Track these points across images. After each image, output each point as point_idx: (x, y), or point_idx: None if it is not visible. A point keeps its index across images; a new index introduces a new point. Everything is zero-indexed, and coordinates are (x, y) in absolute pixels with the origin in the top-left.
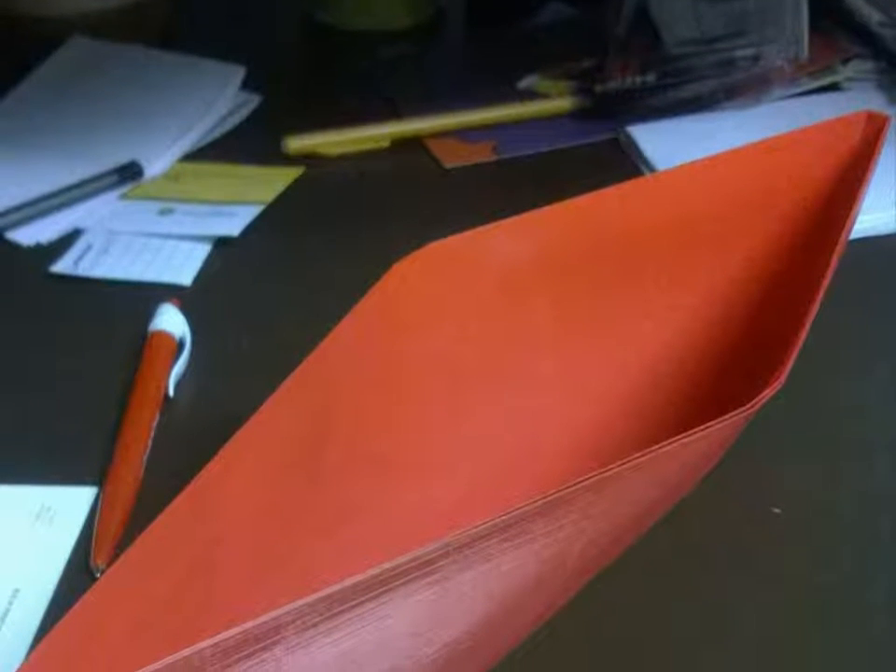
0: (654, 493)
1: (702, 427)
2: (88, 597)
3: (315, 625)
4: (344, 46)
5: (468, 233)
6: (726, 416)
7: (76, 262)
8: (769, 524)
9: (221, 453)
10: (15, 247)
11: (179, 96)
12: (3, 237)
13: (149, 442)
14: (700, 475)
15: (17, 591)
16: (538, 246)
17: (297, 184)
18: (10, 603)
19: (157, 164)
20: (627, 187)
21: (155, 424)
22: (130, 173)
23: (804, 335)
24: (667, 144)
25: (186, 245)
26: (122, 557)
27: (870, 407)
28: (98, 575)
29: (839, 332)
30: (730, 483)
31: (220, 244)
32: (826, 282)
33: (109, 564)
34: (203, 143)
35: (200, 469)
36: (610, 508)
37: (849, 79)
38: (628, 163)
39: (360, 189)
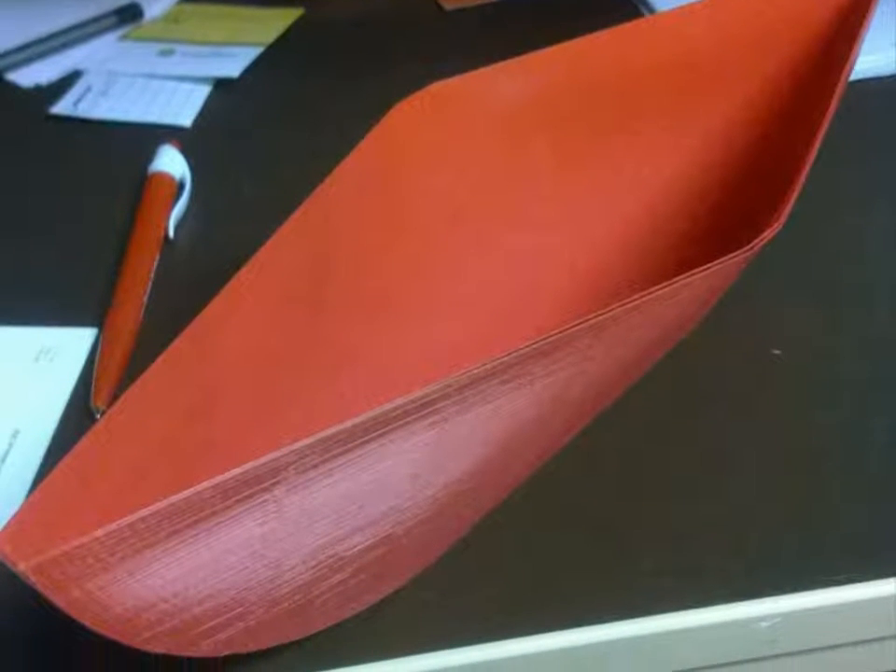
0: (654, 334)
1: (701, 268)
2: (87, 439)
3: (315, 466)
4: None
5: (468, 75)
6: (725, 258)
7: (75, 104)
8: (769, 365)
9: (221, 294)
10: (14, 89)
11: None
12: (2, 79)
13: (149, 284)
14: (699, 317)
15: (17, 432)
16: (537, 88)
17: (296, 25)
18: (10, 444)
19: (156, 5)
20: (626, 29)
21: (155, 265)
22: (129, 14)
23: (803, 177)
24: None
25: (186, 87)
26: (122, 399)
27: (870, 249)
28: (98, 417)
29: (839, 174)
30: (730, 325)
31: (220, 85)
32: (826, 123)
33: (109, 405)
34: None
35: (200, 310)
36: (610, 349)
37: None
38: (628, 5)
39: (360, 30)
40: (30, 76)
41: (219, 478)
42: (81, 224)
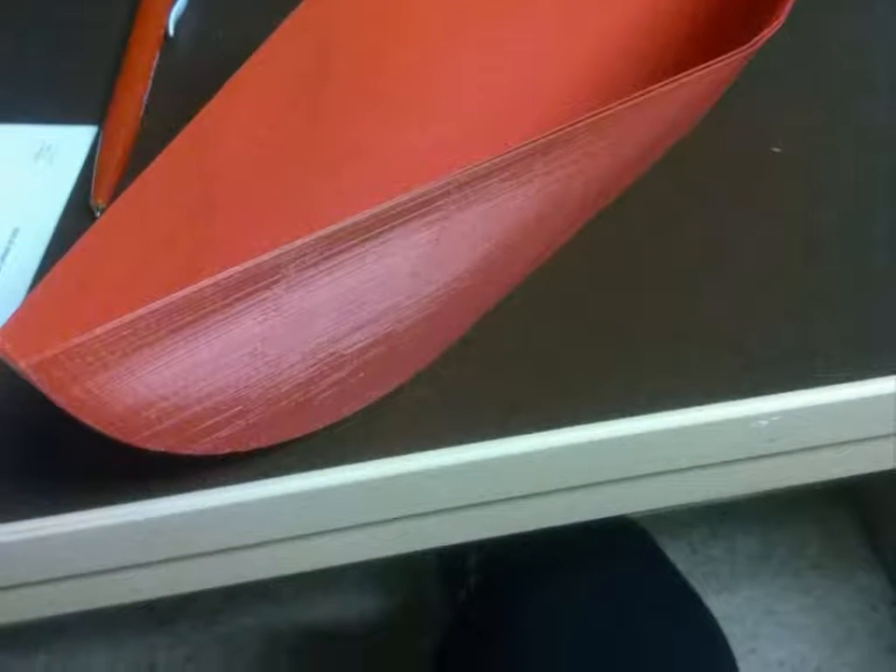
0: (654, 132)
1: (701, 66)
2: (87, 237)
3: (315, 264)
4: None
5: None
6: (726, 56)
7: None
8: (769, 162)
9: (222, 92)
10: None
11: None
12: None
13: (149, 82)
14: (700, 115)
15: (17, 230)
16: None
17: None
18: (10, 242)
19: None
20: None
21: (155, 63)
22: None
23: None
24: None
25: None
26: (122, 196)
27: (871, 45)
28: (98, 214)
29: None
30: (730, 123)
31: None
32: None
33: (109, 203)
34: None
35: (200, 109)
36: (610, 147)
37: None
38: None
39: None
40: None
41: (219, 275)
42: (81, 21)
